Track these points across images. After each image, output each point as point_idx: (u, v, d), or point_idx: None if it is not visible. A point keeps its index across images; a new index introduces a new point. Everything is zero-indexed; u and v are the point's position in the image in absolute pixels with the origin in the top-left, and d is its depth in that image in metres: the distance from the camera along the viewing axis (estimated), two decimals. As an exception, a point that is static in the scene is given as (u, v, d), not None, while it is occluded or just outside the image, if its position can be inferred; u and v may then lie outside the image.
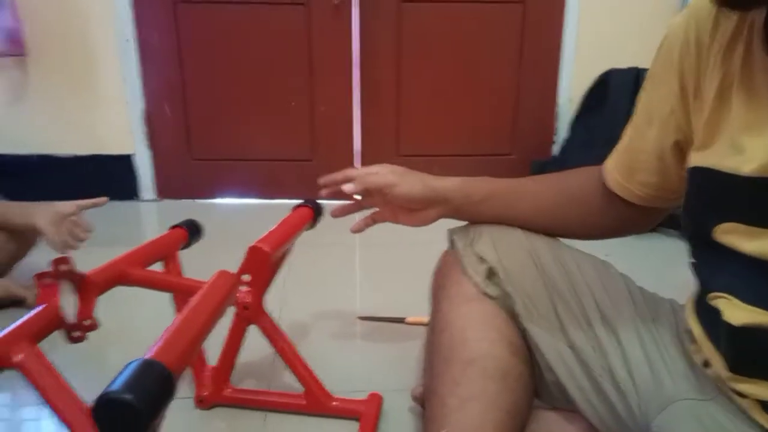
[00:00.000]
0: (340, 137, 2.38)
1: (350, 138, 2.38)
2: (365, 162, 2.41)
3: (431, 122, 2.41)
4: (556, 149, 2.47)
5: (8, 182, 2.15)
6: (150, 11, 2.15)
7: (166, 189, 2.39)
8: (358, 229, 0.87)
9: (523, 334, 0.68)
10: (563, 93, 2.42)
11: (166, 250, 0.89)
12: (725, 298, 0.51)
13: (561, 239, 0.76)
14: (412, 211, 0.81)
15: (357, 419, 0.89)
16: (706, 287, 0.55)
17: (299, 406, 0.91)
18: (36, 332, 0.59)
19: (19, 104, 2.23)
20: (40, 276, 0.64)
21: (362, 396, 0.93)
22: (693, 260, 0.57)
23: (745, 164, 0.47)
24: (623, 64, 2.21)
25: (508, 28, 2.31)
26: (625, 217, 0.72)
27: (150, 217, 2.26)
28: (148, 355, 0.43)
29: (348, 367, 1.07)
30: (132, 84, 2.23)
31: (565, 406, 0.68)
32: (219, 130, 2.33)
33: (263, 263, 0.80)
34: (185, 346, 0.48)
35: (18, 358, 0.53)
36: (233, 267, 0.75)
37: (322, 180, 0.84)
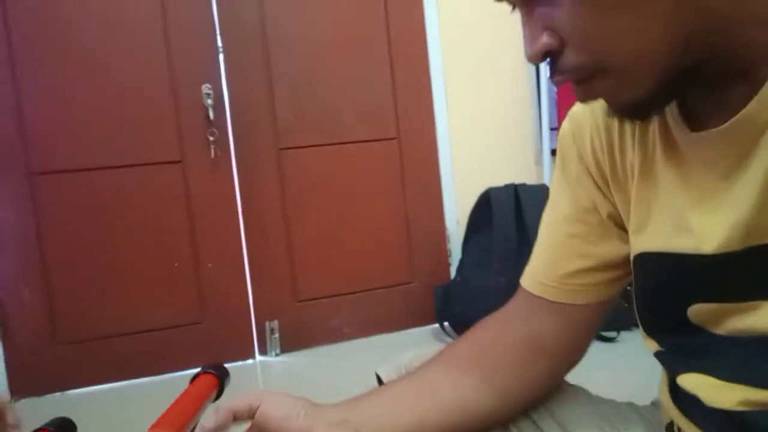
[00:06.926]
0: (232, 292, 2.20)
1: (244, 292, 2.22)
2: (261, 312, 2.24)
3: (327, 263, 2.33)
4: (453, 271, 2.48)
5: None
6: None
7: (25, 386, 1.99)
8: None
9: None
10: (450, 216, 2.48)
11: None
12: (698, 377, 0.47)
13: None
14: None
15: None
16: (676, 372, 0.50)
17: None
18: None
19: None
20: None
21: None
22: (660, 349, 0.52)
23: (704, 243, 0.44)
24: (499, 182, 2.33)
25: (387, 163, 2.38)
26: (566, 336, 0.59)
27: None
28: None
29: None
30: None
31: None
32: (92, 306, 2.05)
33: None
34: None
35: None
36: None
37: None
